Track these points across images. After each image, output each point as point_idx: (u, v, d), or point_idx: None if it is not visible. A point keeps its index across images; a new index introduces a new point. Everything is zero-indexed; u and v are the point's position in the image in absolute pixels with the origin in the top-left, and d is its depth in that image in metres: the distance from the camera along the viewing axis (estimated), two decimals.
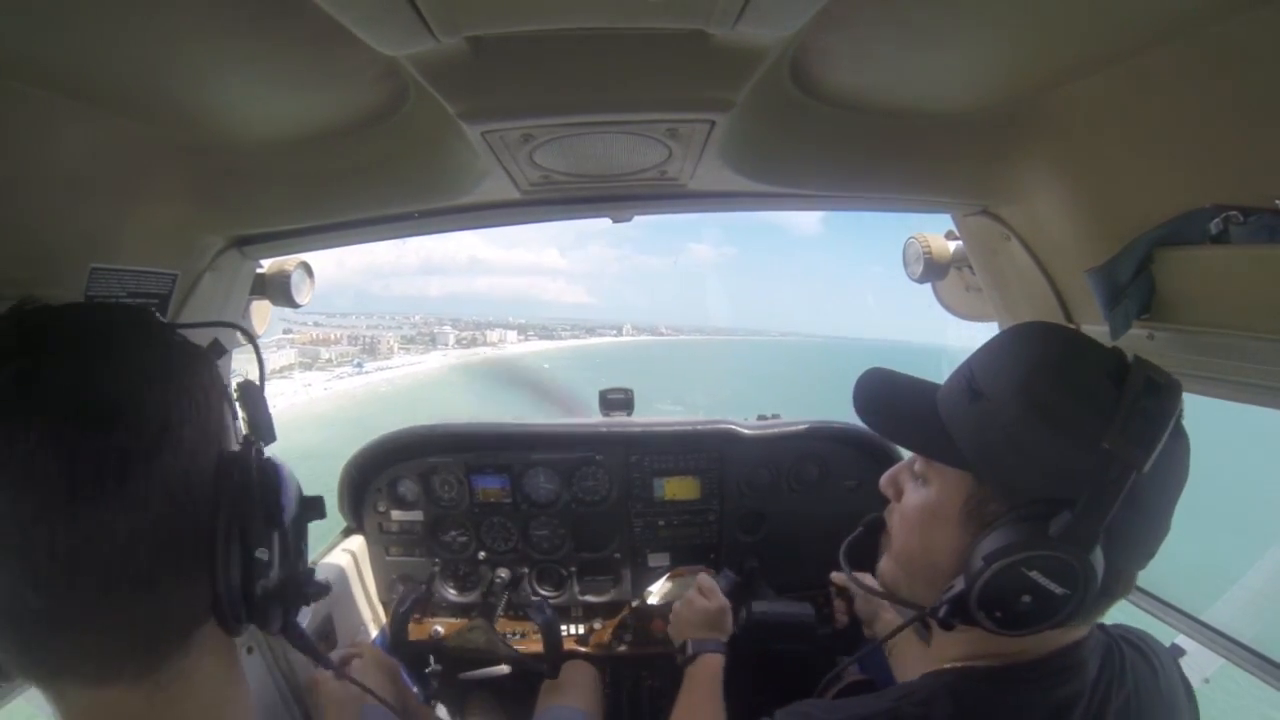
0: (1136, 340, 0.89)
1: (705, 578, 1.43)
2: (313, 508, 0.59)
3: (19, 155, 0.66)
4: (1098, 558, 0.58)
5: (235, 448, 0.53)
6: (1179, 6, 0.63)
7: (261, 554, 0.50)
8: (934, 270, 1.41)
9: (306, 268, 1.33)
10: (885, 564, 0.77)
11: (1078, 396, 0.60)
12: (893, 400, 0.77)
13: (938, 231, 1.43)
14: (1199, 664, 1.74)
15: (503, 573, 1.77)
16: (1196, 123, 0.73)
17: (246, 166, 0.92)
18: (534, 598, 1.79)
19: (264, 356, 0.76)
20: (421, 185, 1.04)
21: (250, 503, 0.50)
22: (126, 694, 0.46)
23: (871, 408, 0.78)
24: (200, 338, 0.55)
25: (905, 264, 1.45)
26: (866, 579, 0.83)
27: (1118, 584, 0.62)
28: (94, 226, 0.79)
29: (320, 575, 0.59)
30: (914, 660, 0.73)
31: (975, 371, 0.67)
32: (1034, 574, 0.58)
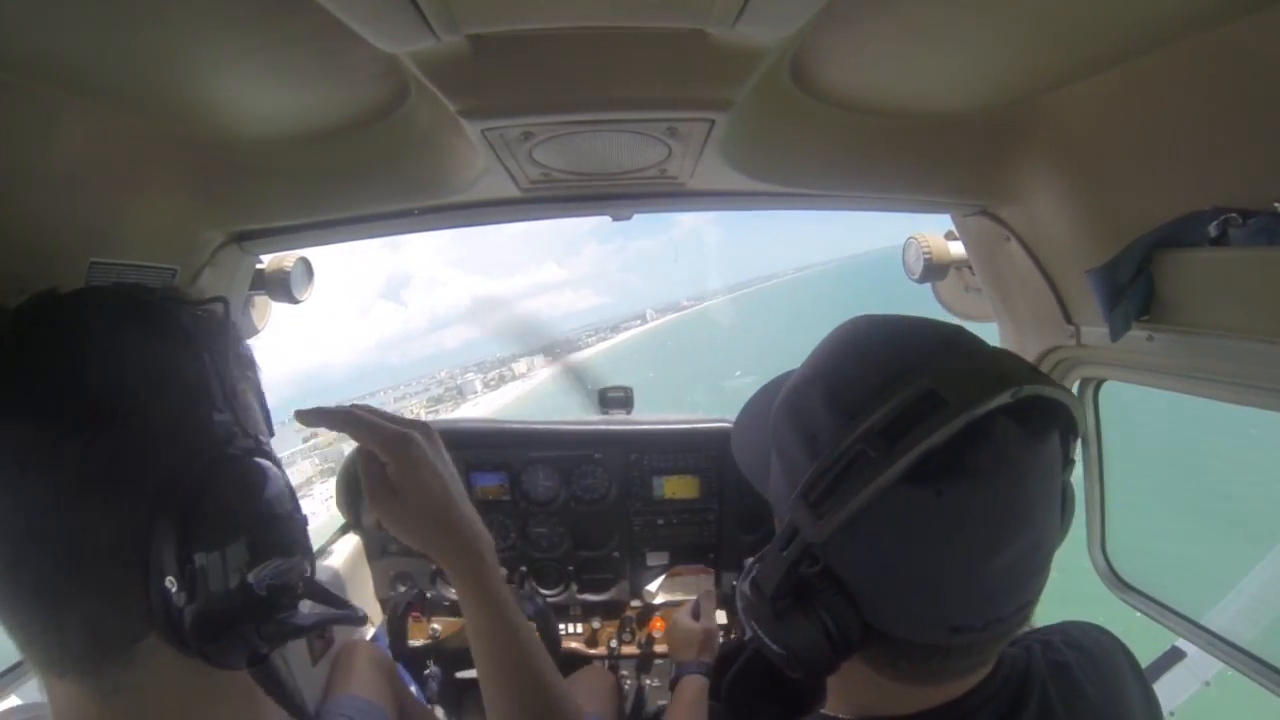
0: (1136, 341, 0.89)
1: (703, 599, 1.45)
2: (281, 524, 0.49)
3: (19, 150, 0.66)
4: (793, 619, 0.49)
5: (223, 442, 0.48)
6: (1179, 9, 0.63)
7: (202, 562, 0.43)
8: (934, 270, 1.41)
9: (306, 263, 1.33)
10: None
11: (799, 431, 0.51)
12: (746, 424, 0.70)
13: (938, 232, 1.43)
14: (1199, 667, 1.74)
15: (501, 571, 1.77)
16: (1196, 125, 0.73)
17: (247, 162, 0.92)
18: (520, 589, 1.78)
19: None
20: (421, 182, 1.04)
21: (205, 502, 0.44)
22: (80, 693, 0.45)
23: (736, 433, 0.71)
24: None
25: (905, 264, 1.45)
26: None
27: (917, 653, 0.50)
28: (94, 221, 0.79)
29: (318, 572, 0.52)
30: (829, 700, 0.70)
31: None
32: (753, 624, 0.53)
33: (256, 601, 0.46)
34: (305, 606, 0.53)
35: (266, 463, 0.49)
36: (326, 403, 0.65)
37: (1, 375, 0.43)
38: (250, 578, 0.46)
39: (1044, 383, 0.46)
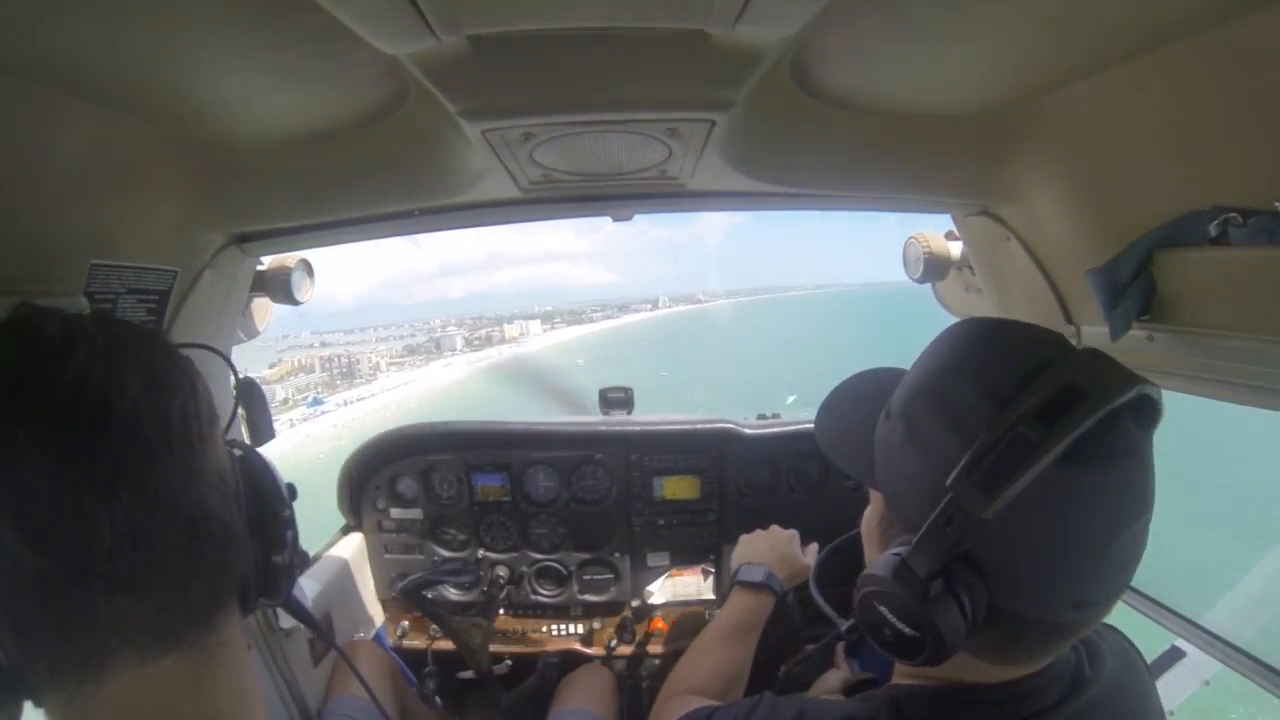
0: (1136, 341, 0.89)
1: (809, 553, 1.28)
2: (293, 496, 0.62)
3: (19, 151, 0.66)
4: (944, 602, 0.51)
5: (235, 446, 0.55)
6: (1179, 8, 0.63)
7: (287, 535, 0.57)
8: (934, 271, 1.41)
9: (307, 265, 1.33)
10: None
11: (944, 417, 0.54)
12: (842, 410, 0.74)
13: (938, 232, 1.43)
14: (1198, 668, 1.74)
15: (502, 571, 1.78)
16: (1196, 124, 0.73)
17: (247, 163, 0.92)
18: (456, 555, 1.77)
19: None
20: (422, 183, 1.04)
21: (266, 492, 0.55)
22: (180, 667, 0.46)
23: (826, 419, 0.75)
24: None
25: (905, 264, 1.45)
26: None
27: (1034, 631, 0.54)
28: (94, 223, 0.79)
29: (319, 572, 0.63)
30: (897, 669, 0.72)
31: (900, 384, 0.63)
32: (883, 609, 0.55)
33: (298, 555, 0.59)
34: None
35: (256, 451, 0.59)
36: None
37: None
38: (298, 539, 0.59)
39: (1150, 384, 0.51)
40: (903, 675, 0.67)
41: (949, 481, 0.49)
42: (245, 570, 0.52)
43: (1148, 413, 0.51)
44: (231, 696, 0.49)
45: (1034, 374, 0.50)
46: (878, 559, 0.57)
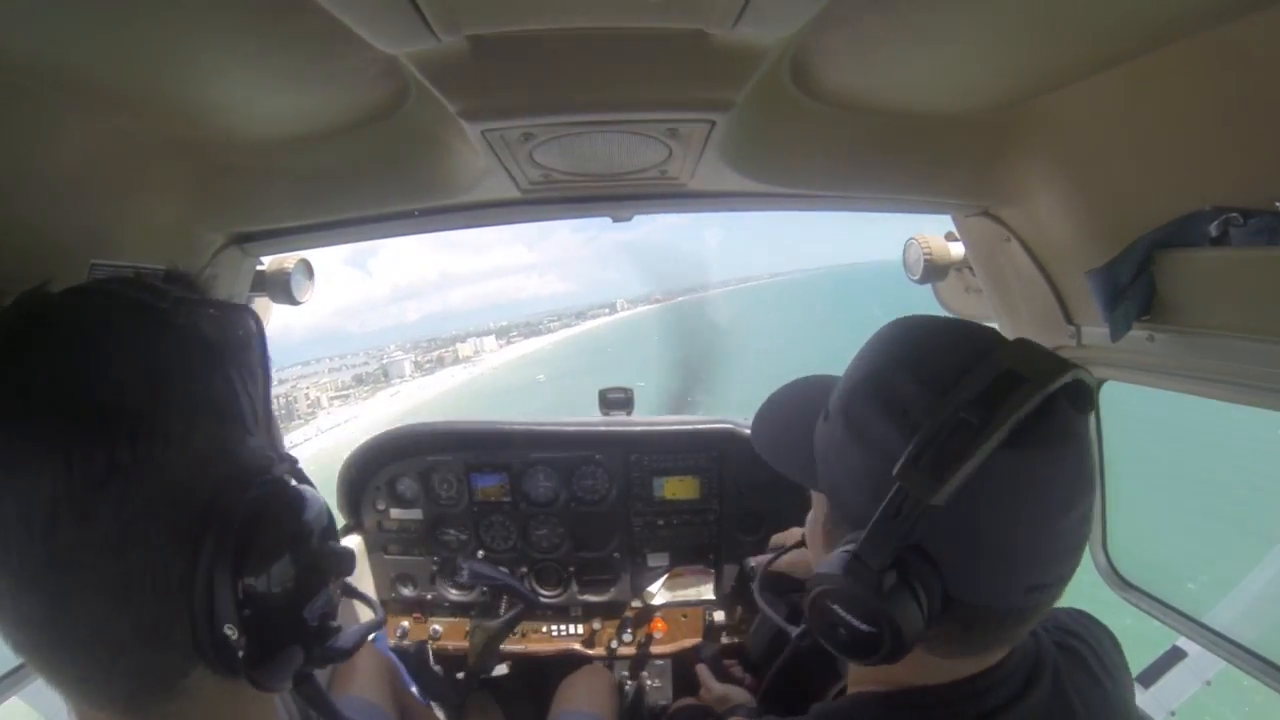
0: (1137, 341, 0.89)
1: (701, 674, 1.42)
2: (332, 557, 0.49)
3: (19, 152, 0.66)
4: (899, 594, 0.50)
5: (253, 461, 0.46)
6: (1178, 9, 0.63)
7: (258, 598, 0.42)
8: (934, 271, 1.41)
9: (307, 265, 1.33)
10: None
11: (885, 410, 0.54)
12: (779, 418, 0.74)
13: (938, 232, 1.43)
14: (1200, 667, 1.74)
15: (546, 599, 1.79)
16: (1196, 124, 0.73)
17: (247, 164, 0.92)
18: (476, 562, 1.75)
19: None
20: (421, 183, 1.04)
21: (236, 533, 0.42)
22: None
23: (758, 425, 0.75)
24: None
25: (905, 265, 1.45)
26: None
27: (988, 619, 0.54)
28: (94, 223, 0.79)
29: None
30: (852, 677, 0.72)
31: (838, 384, 0.63)
32: (836, 608, 0.54)
33: (309, 629, 0.47)
34: None
35: (307, 488, 0.48)
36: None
37: (8, 407, 0.39)
38: (305, 613, 0.46)
39: (1084, 369, 0.52)
40: (857, 682, 0.66)
41: (895, 471, 0.49)
42: (199, 635, 0.42)
43: (1082, 397, 0.52)
44: None
45: (970, 363, 0.51)
46: (827, 558, 0.56)
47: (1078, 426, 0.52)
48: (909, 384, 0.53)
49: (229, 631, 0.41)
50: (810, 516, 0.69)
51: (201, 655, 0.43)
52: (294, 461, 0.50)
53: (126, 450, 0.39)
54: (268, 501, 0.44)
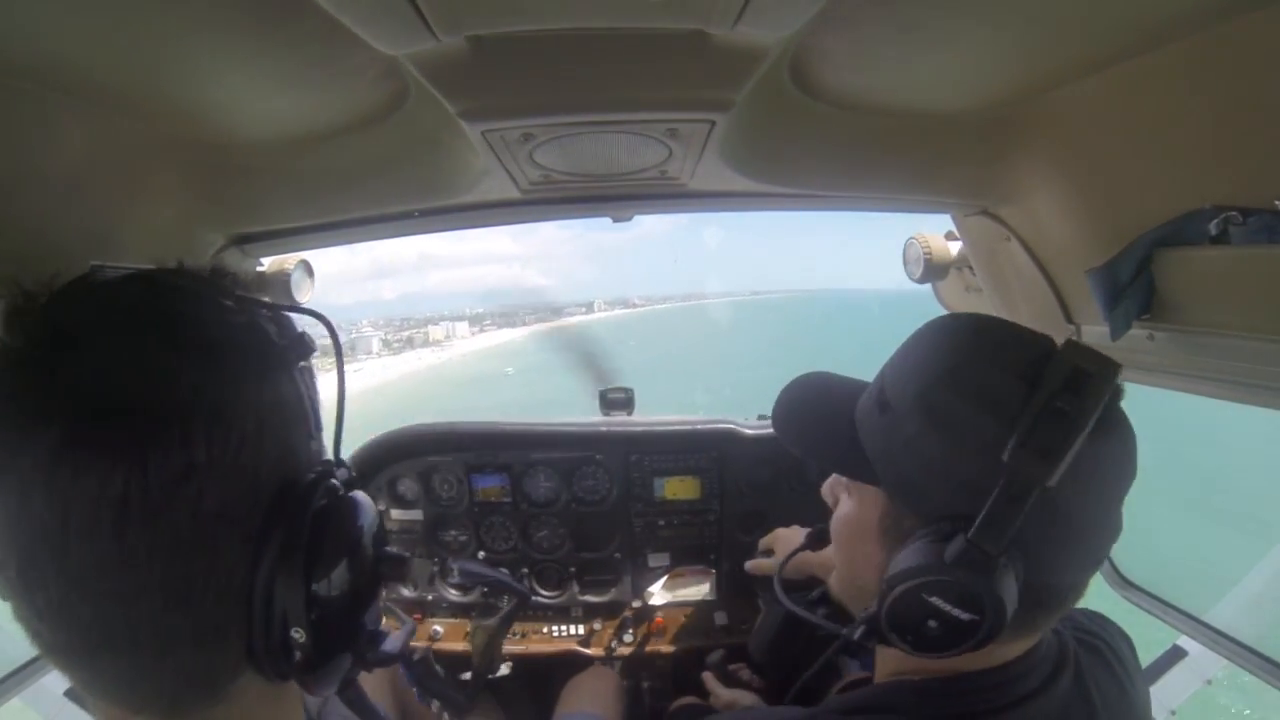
0: (1137, 341, 0.89)
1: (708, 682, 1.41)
2: (388, 562, 0.49)
3: (19, 153, 0.66)
4: (1006, 577, 0.52)
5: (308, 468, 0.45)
6: (1178, 7, 0.63)
7: (320, 605, 0.42)
8: (934, 271, 1.41)
9: (307, 266, 1.33)
10: (832, 578, 0.75)
11: (977, 401, 0.55)
12: (810, 412, 0.74)
13: (938, 232, 1.43)
14: (1200, 666, 1.74)
15: (545, 600, 1.79)
16: (1196, 123, 0.73)
17: (247, 164, 0.92)
18: (452, 563, 1.71)
19: None
20: (422, 184, 1.04)
21: (307, 537, 0.42)
22: None
23: (787, 420, 0.74)
24: None
25: (905, 265, 1.45)
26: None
27: (1052, 597, 0.58)
28: (94, 224, 0.79)
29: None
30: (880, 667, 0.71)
31: (886, 378, 0.63)
32: (934, 600, 0.54)
33: (365, 634, 0.48)
34: None
35: (362, 495, 0.48)
36: None
37: (40, 403, 0.37)
38: (365, 618, 0.47)
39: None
40: (891, 672, 0.67)
41: (1006, 456, 0.51)
42: (253, 642, 0.42)
43: (1120, 390, 0.57)
44: None
45: (1044, 359, 0.54)
46: (905, 553, 0.56)
47: (1123, 416, 0.58)
48: (998, 376, 0.55)
49: (296, 635, 0.41)
50: (844, 515, 0.69)
51: (253, 659, 0.42)
52: (347, 465, 0.50)
53: (203, 450, 0.38)
54: (333, 505, 0.44)
